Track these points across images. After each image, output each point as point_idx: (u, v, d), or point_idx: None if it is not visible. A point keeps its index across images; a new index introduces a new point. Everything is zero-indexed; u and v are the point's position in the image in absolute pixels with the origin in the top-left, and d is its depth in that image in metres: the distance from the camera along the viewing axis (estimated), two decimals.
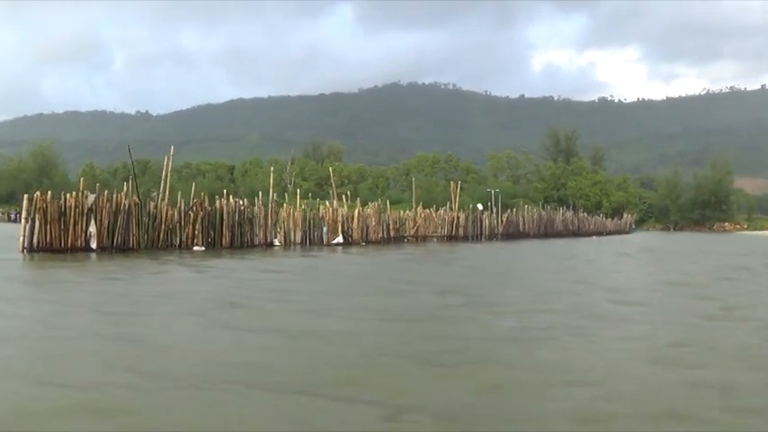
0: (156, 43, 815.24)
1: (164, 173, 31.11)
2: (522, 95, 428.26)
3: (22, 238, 25.70)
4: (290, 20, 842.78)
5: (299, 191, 44.28)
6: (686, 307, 14.58)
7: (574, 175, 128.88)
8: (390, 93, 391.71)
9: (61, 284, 17.48)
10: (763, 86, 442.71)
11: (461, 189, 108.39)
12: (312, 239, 38.70)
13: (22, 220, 26.13)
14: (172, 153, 31.65)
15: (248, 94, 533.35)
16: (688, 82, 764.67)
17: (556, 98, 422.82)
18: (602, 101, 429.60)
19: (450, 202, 54.87)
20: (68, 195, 26.76)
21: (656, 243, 61.69)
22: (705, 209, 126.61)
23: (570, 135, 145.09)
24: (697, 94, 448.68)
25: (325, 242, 39.32)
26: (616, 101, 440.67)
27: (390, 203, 46.87)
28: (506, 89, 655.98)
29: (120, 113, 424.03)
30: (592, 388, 7.64)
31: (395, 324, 12.06)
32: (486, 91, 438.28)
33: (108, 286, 16.79)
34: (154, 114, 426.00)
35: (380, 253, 34.84)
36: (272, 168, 55.54)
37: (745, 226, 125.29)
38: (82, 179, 30.64)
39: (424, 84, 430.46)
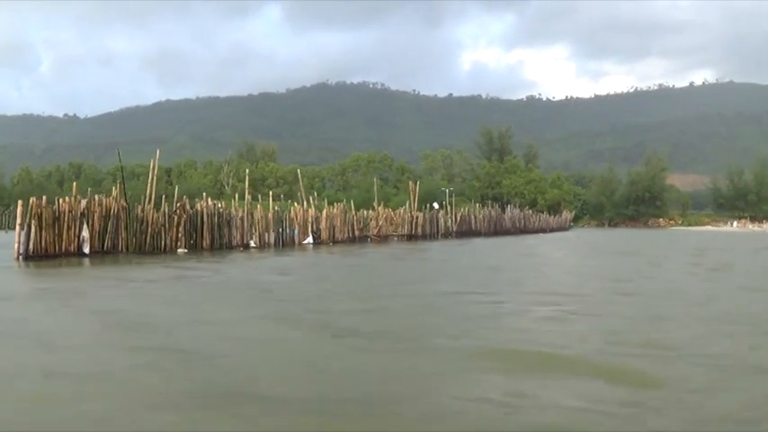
0: (84, 44, 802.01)
1: (150, 176, 31.21)
2: (451, 94, 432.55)
3: (17, 245, 25.61)
4: (218, 20, 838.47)
5: (264, 195, 44.56)
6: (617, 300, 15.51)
7: (508, 173, 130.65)
8: (319, 93, 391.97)
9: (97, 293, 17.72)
10: (691, 84, 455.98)
11: (396, 188, 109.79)
12: (285, 240, 39.24)
13: (17, 227, 25.99)
14: (158, 156, 31.81)
15: (176, 95, 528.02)
16: (616, 80, 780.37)
17: (484, 96, 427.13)
18: (531, 99, 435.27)
19: (410, 202, 55.69)
20: (61, 200, 26.88)
21: (605, 239, 63.65)
22: (639, 205, 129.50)
23: (504, 133, 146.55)
24: (625, 91, 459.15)
25: (296, 242, 39.94)
26: (544, 99, 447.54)
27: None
28: (435, 88, 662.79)
29: (47, 116, 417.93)
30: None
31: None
32: (414, 90, 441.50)
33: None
34: (81, 117, 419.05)
35: (359, 253, 35.45)
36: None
37: (680, 222, 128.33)
38: (75, 183, 30.55)
39: (352, 83, 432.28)
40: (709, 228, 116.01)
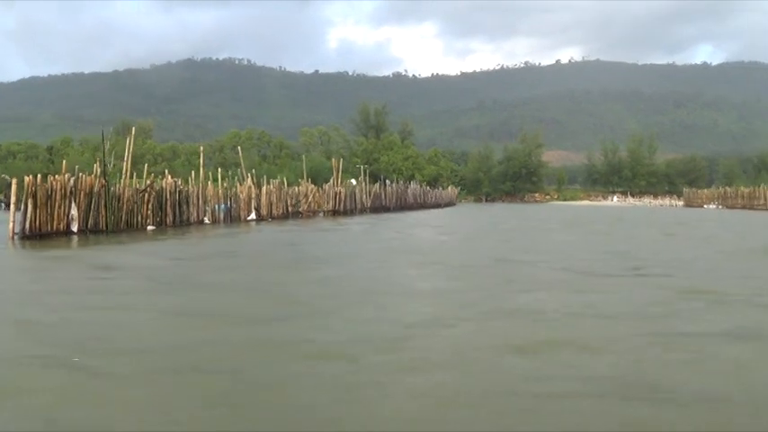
0: None
1: (126, 154, 31.58)
2: (317, 71, 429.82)
3: (11, 225, 25.74)
4: None
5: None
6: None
7: (385, 149, 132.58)
8: (185, 69, 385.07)
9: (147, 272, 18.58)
10: (557, 62, 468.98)
11: (275, 165, 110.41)
12: (231, 216, 40.15)
13: (12, 206, 26.06)
14: (134, 134, 32.18)
15: (42, 71, 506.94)
16: (483, 57, 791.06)
17: (351, 73, 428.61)
18: (397, 76, 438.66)
19: (334, 179, 57.01)
20: (52, 178, 27.11)
21: (505, 212, 66.74)
22: (516, 181, 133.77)
23: (380, 110, 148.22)
24: (492, 69, 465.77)
25: (241, 218, 40.99)
26: (411, 76, 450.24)
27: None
28: (302, 65, 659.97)
29: None
30: None
31: None
32: (281, 66, 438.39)
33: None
34: None
35: (309, 227, 36.78)
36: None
37: (555, 196, 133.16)
38: (64, 162, 30.59)
39: (218, 60, 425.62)
40: (586, 202, 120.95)
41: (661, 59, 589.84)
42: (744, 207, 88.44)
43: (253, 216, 41.94)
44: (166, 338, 9.30)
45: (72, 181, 27.74)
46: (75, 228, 27.68)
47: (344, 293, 13.22)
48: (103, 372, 7.54)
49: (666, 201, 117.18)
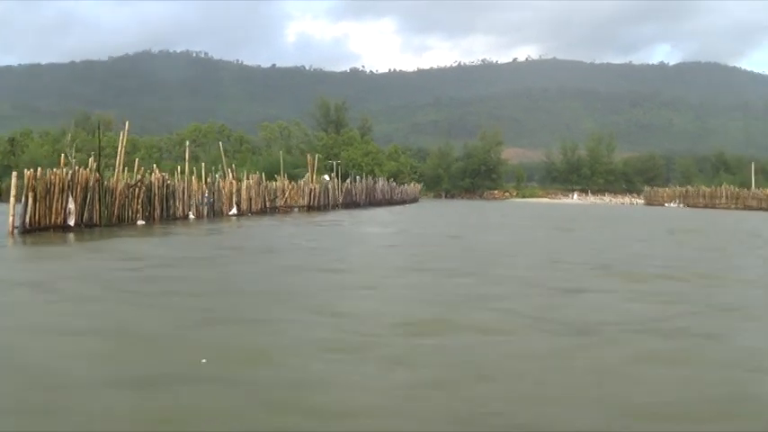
0: None
1: (119, 148, 31.73)
2: (274, 65, 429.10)
3: (11, 218, 25.79)
4: None
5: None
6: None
7: (345, 145, 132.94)
8: (142, 61, 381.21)
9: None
10: (514, 59, 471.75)
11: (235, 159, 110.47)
12: (214, 211, 40.43)
13: (12, 199, 26.06)
14: (127, 128, 32.33)
15: None
16: (440, 54, 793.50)
17: (308, 68, 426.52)
18: (354, 71, 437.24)
19: (309, 175, 57.47)
20: (51, 172, 27.22)
21: (469, 209, 67.71)
22: (475, 177, 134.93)
23: (340, 106, 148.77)
24: (449, 66, 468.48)
25: (224, 213, 41.29)
26: (368, 71, 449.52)
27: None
28: (259, 59, 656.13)
29: None
30: None
31: None
32: (238, 60, 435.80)
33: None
34: None
35: (298, 221, 37.29)
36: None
37: (514, 194, 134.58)
38: (62, 155, 30.64)
39: (175, 52, 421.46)
40: (546, 200, 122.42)
41: (618, 59, 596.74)
42: (705, 206, 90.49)
43: (234, 211, 42.27)
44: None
45: (69, 175, 27.85)
46: (72, 222, 27.81)
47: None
48: None
49: (627, 199, 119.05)
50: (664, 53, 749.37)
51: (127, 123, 32.61)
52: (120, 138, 32.90)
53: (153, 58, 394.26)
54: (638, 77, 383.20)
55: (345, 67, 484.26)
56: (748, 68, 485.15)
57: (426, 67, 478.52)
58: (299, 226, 36.15)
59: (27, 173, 26.18)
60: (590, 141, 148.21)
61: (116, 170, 31.55)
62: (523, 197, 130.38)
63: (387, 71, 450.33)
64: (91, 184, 28.93)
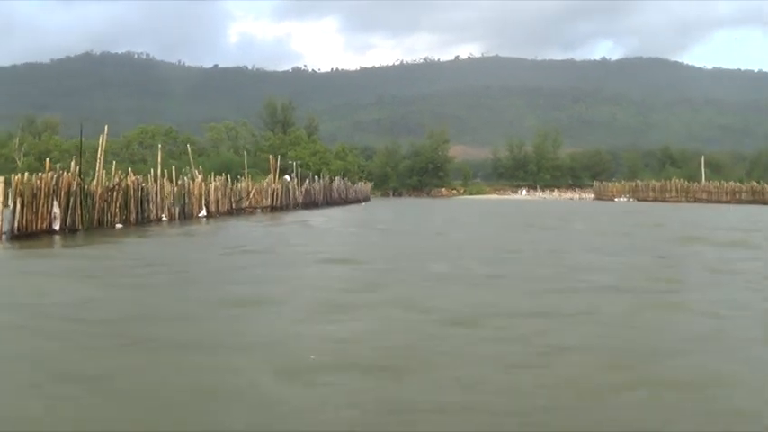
0: None
1: (99, 152, 31.85)
2: (217, 65, 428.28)
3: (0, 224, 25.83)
4: None
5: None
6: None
7: (293, 145, 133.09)
8: (84, 63, 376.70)
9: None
10: (456, 57, 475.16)
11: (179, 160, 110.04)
12: (185, 214, 40.63)
13: None
14: (106, 132, 32.44)
15: None
16: (383, 53, 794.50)
17: (250, 68, 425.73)
18: (297, 70, 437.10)
19: (271, 176, 57.89)
20: (37, 177, 27.35)
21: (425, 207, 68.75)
22: (423, 175, 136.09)
23: (287, 105, 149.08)
24: (391, 64, 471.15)
25: (194, 215, 41.52)
26: (310, 71, 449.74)
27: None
28: (201, 59, 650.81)
29: None
30: None
31: None
32: (180, 61, 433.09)
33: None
34: None
35: (270, 221, 37.78)
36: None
37: (462, 191, 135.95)
38: (48, 160, 30.66)
39: (117, 54, 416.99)
40: (495, 196, 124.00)
41: (560, 56, 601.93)
42: (655, 200, 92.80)
43: (204, 213, 42.50)
44: None
45: (54, 179, 27.97)
46: (57, 226, 27.92)
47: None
48: None
49: (576, 194, 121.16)
50: (606, 49, 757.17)
51: (106, 127, 32.64)
52: (100, 141, 32.90)
53: (95, 60, 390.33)
54: (581, 74, 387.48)
55: (288, 67, 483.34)
56: (690, 63, 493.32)
57: (369, 65, 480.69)
58: (282, 226, 36.77)
59: (15, 178, 26.27)
60: (536, 138, 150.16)
61: (96, 174, 31.56)
62: (471, 194, 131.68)
63: (329, 70, 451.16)
64: (73, 188, 29.03)
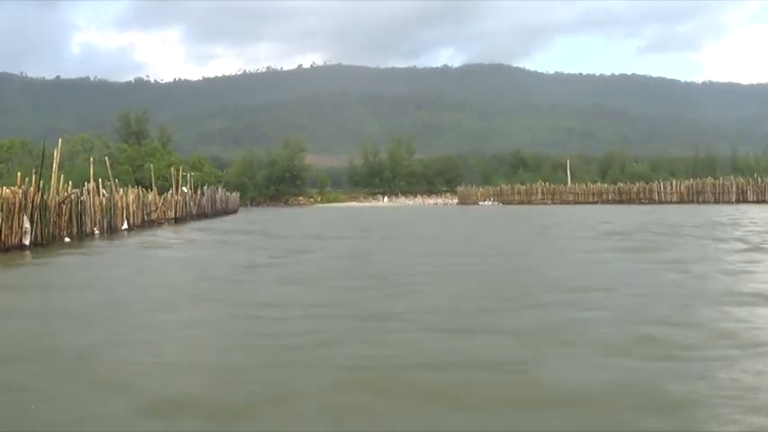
0: None
1: (55, 165, 31.95)
2: (59, 76, 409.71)
3: None
4: None
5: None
6: None
7: (149, 156, 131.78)
8: None
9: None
10: (299, 66, 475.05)
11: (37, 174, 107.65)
12: (111, 227, 40.81)
13: None
14: (60, 145, 32.55)
15: None
16: (225, 63, 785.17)
17: (92, 79, 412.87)
18: (139, 81, 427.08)
19: (174, 187, 58.18)
20: (9, 190, 27.51)
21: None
22: (280, 184, 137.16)
23: (141, 117, 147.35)
24: (234, 74, 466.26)
25: (118, 228, 41.73)
26: (153, 81, 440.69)
27: None
28: (43, 70, 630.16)
29: None
30: None
31: None
32: (21, 72, 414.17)
33: None
34: None
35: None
36: None
37: (319, 199, 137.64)
38: (18, 173, 30.39)
39: None
40: (355, 203, 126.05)
41: (402, 63, 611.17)
42: (521, 202, 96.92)
43: (125, 226, 42.73)
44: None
45: (21, 193, 28.15)
46: (27, 241, 28.08)
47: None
48: None
49: (440, 199, 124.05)
50: (447, 56, 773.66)
51: (60, 140, 32.91)
52: (55, 154, 33.05)
53: None
54: (423, 81, 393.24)
55: (130, 78, 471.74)
56: (533, 69, 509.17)
57: (212, 75, 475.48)
58: (229, 234, 37.62)
59: None
60: (390, 144, 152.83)
61: (51, 187, 31.63)
62: (328, 202, 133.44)
63: (172, 80, 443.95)
64: (37, 202, 29.28)
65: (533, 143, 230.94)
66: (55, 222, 31.62)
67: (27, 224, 28.01)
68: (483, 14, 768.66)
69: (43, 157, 33.53)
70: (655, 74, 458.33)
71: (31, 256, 26.06)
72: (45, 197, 30.87)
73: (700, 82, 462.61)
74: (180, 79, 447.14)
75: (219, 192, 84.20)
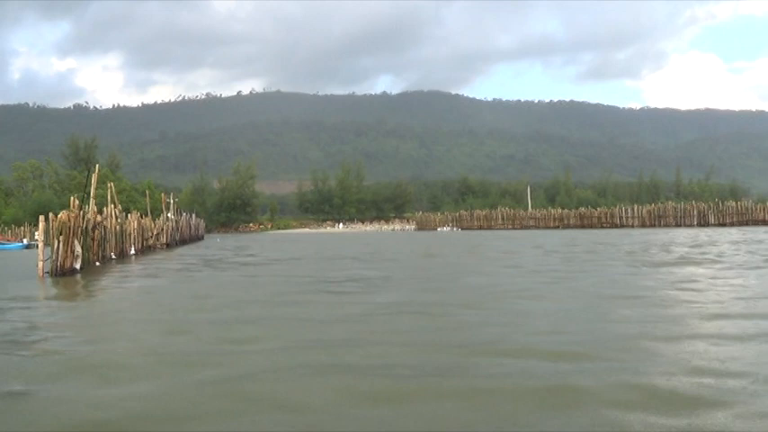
0: None
1: (92, 190, 32.19)
2: None
3: (41, 264, 26.10)
4: None
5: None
6: None
7: (100, 183, 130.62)
8: None
9: None
10: (239, 93, 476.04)
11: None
12: (123, 252, 40.97)
13: (40, 244, 26.46)
14: (97, 170, 32.77)
15: None
16: (164, 89, 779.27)
17: (32, 105, 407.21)
18: (78, 107, 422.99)
19: (163, 213, 58.37)
20: (68, 215, 27.74)
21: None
22: (231, 211, 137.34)
23: (90, 143, 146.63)
24: (173, 100, 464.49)
25: (126, 253, 41.93)
26: (92, 107, 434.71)
27: None
28: None
29: None
30: None
31: None
32: None
33: None
34: None
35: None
36: None
37: (269, 226, 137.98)
38: (73, 197, 30.50)
39: None
40: (307, 230, 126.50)
41: (341, 90, 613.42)
42: (481, 227, 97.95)
43: (133, 250, 42.91)
44: None
45: (71, 219, 28.38)
46: (78, 265, 28.27)
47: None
48: None
49: (398, 225, 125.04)
50: (386, 83, 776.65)
51: (97, 166, 33.21)
52: (93, 179, 33.31)
53: None
54: (362, 108, 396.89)
55: (69, 104, 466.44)
56: (471, 96, 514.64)
57: (151, 101, 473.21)
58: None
59: (60, 215, 26.73)
60: (340, 172, 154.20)
61: (90, 212, 31.78)
62: (278, 228, 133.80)
63: (111, 107, 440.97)
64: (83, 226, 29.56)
65: (473, 169, 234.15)
66: (89, 247, 31.81)
67: (78, 248, 28.20)
68: (422, 42, 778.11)
69: (88, 183, 33.64)
70: (593, 100, 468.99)
71: (87, 281, 26.17)
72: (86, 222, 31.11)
73: (638, 108, 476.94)
74: (119, 105, 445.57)
75: (193, 218, 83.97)
